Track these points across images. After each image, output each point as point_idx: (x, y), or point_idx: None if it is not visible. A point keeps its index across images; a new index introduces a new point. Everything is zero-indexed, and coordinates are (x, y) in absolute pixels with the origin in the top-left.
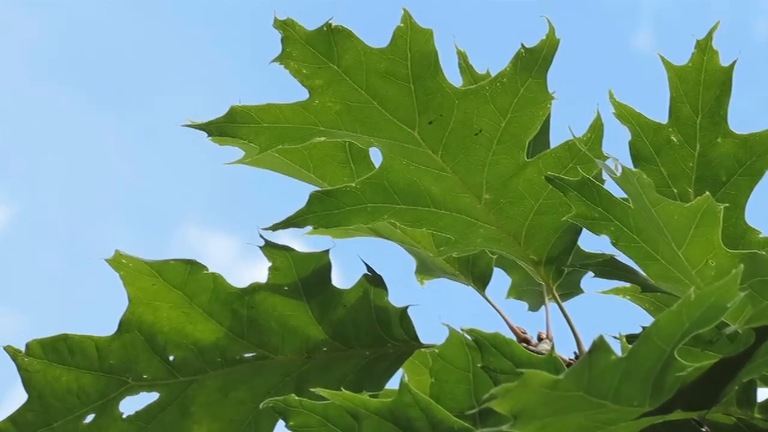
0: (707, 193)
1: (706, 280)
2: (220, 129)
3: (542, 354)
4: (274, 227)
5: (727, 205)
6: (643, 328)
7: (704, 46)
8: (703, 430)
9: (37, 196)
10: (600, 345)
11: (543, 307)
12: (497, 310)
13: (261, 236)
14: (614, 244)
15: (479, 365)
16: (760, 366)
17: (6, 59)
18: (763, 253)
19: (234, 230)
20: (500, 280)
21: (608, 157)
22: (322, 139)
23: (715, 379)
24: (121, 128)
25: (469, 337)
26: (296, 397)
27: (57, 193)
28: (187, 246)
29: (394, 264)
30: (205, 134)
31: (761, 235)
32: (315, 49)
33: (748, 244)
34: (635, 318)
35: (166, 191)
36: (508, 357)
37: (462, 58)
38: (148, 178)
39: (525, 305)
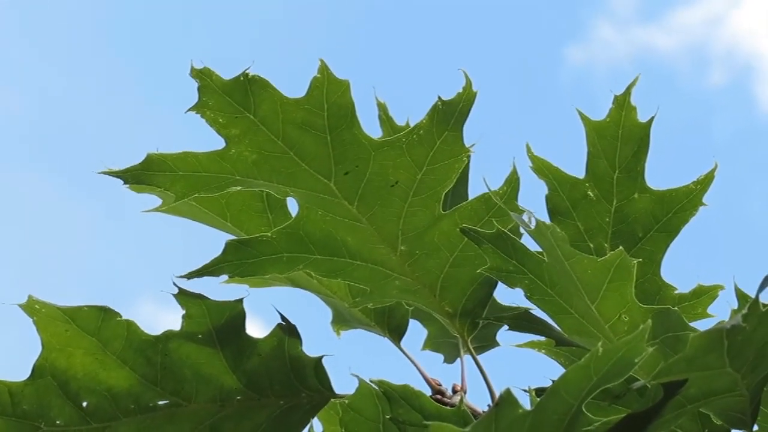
0: (621, 248)
1: (619, 334)
2: (136, 177)
3: (453, 406)
4: (189, 275)
5: (641, 260)
6: (552, 381)
7: (622, 102)
8: None
9: None
10: (507, 398)
11: (458, 359)
12: (412, 362)
13: (175, 284)
14: (528, 298)
15: (388, 417)
16: (669, 421)
17: None
18: (676, 309)
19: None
20: (416, 332)
21: (524, 211)
22: (239, 188)
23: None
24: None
25: (379, 389)
26: None
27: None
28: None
29: (310, 314)
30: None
31: (676, 291)
32: (231, 99)
33: (663, 300)
34: (551, 372)
35: (123, 267)
36: (417, 409)
37: (381, 109)
38: (105, 254)
39: (440, 357)
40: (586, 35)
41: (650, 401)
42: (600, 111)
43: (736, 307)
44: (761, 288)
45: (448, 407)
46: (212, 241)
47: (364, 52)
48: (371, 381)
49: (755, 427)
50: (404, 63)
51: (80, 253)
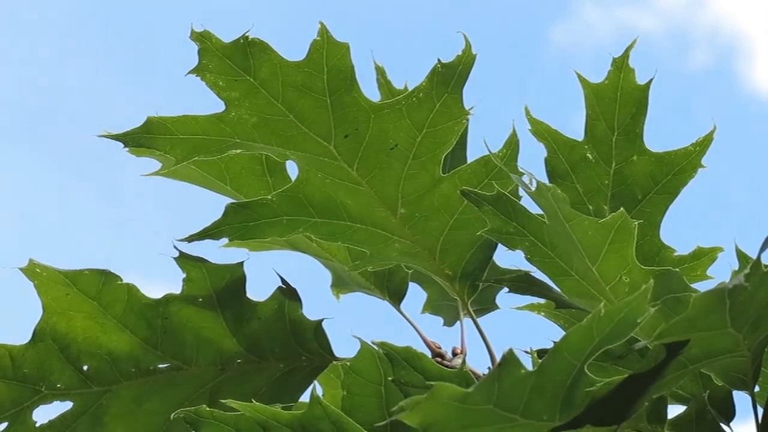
0: (622, 209)
1: (619, 296)
2: (137, 140)
3: (454, 369)
4: (190, 239)
5: (642, 222)
6: (555, 342)
7: (621, 64)
8: None
9: None
10: (510, 359)
11: (458, 322)
12: (412, 325)
13: (175, 248)
14: (529, 260)
15: (390, 379)
16: (670, 382)
17: None
18: (677, 270)
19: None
20: (416, 295)
21: (524, 173)
22: (238, 151)
23: (625, 394)
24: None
25: (380, 351)
26: (208, 408)
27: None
28: None
29: (310, 277)
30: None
31: (676, 253)
32: (231, 62)
33: (662, 262)
34: (550, 334)
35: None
36: (419, 371)
37: (380, 73)
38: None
39: (440, 320)
40: (571, 16)
41: (652, 362)
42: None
43: (736, 268)
44: (763, 248)
45: (449, 369)
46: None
47: (358, 20)
48: (373, 343)
49: (756, 388)
50: (396, 34)
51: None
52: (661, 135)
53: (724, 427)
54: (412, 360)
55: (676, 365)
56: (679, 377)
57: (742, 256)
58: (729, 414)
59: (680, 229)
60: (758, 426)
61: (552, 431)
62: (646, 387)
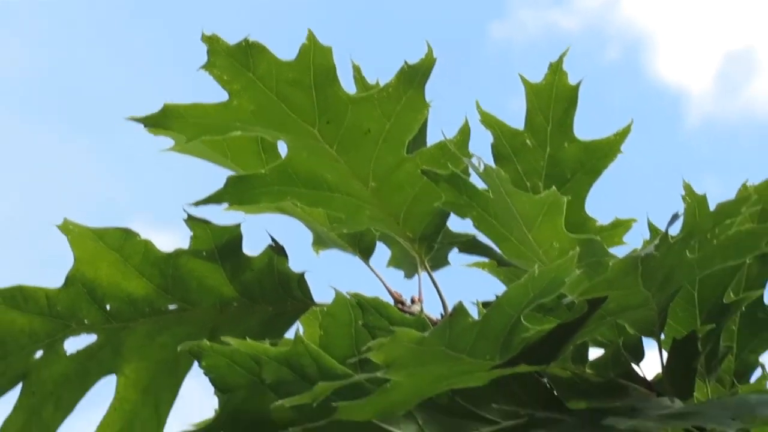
0: (554, 187)
1: (551, 259)
2: (155, 122)
3: (413, 315)
4: (197, 203)
5: (570, 197)
6: (497, 296)
7: (556, 68)
8: (544, 380)
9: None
10: (459, 310)
11: (416, 275)
12: (378, 277)
13: (185, 211)
14: (476, 227)
15: (360, 322)
16: (591, 330)
17: None
18: (598, 238)
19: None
20: (382, 253)
21: (473, 156)
22: (239, 133)
23: (554, 340)
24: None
25: (352, 299)
26: (208, 343)
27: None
28: None
29: (295, 237)
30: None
31: (597, 223)
32: (234, 60)
33: (586, 230)
34: (493, 288)
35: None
36: (384, 317)
37: (356, 71)
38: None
39: (402, 273)
40: (508, 14)
41: (576, 314)
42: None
43: (648, 239)
44: (670, 223)
45: (409, 315)
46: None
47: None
48: (347, 293)
49: (662, 336)
50: (356, 36)
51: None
52: (581, 118)
53: (635, 367)
54: (378, 308)
55: (596, 317)
56: (599, 326)
57: (652, 228)
58: (639, 356)
59: (601, 203)
60: (663, 366)
61: (493, 368)
62: (571, 334)
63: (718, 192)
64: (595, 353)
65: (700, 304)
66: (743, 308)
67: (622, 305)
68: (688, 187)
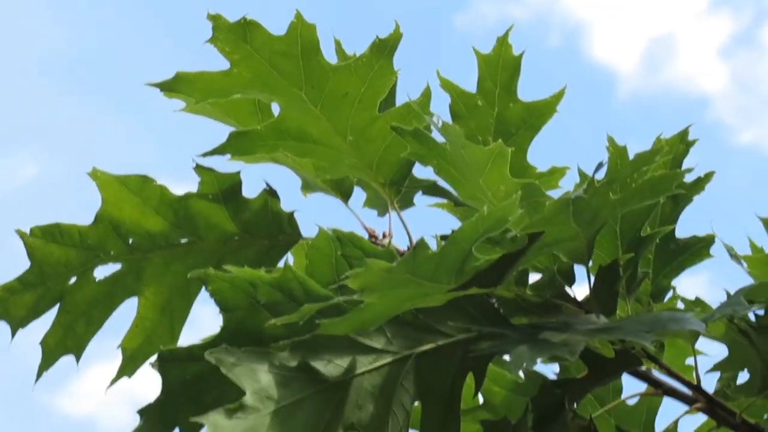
0: (500, 140)
1: (498, 199)
2: (170, 87)
3: (384, 247)
4: (204, 154)
5: (514, 149)
6: (453, 231)
7: (502, 41)
8: (492, 301)
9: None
10: (421, 244)
11: (387, 214)
12: (356, 216)
13: (194, 160)
14: (436, 173)
15: (339, 253)
16: (530, 259)
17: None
18: (537, 182)
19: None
20: (359, 195)
21: (433, 115)
22: (239, 96)
23: (499, 267)
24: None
25: (333, 234)
26: (213, 270)
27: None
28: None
29: (287, 182)
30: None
31: (537, 171)
32: (234, 34)
33: (528, 176)
34: (450, 224)
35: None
36: (359, 248)
37: (337, 44)
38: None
39: (375, 213)
40: (470, 7)
41: (519, 245)
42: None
43: (578, 183)
44: (596, 170)
45: (380, 247)
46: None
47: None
48: (329, 229)
49: (590, 263)
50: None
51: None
52: (529, 95)
53: (567, 289)
54: (354, 241)
55: (534, 248)
56: (537, 255)
57: (582, 174)
58: (571, 280)
59: (545, 160)
60: (590, 288)
61: (449, 291)
62: (514, 262)
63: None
64: (534, 278)
65: (621, 237)
66: (658, 240)
67: (556, 238)
68: (611, 140)
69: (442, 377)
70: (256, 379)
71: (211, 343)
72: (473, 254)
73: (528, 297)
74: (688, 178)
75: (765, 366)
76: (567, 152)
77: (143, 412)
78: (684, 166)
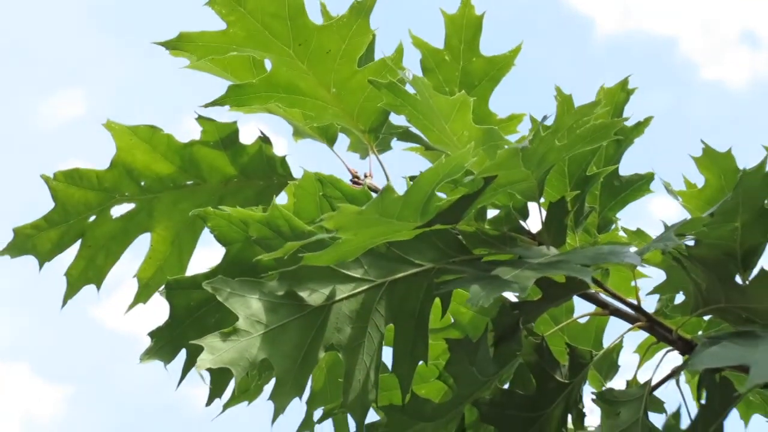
0: (463, 91)
1: (462, 143)
2: (174, 45)
3: (362, 185)
4: (206, 105)
5: (477, 98)
6: (420, 173)
7: (466, 2)
8: (457, 234)
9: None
10: (387, 188)
11: (368, 157)
12: (341, 159)
13: (196, 111)
14: (408, 121)
15: (321, 194)
16: (487, 198)
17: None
18: (496, 128)
19: None
20: (343, 141)
21: (405, 69)
22: (235, 53)
23: (459, 206)
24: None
25: (316, 176)
26: (212, 209)
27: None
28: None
29: (279, 129)
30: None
31: (498, 117)
32: None
33: (489, 122)
34: (423, 165)
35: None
36: (338, 189)
37: (322, 6)
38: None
39: (357, 156)
40: None
41: (476, 187)
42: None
43: (530, 129)
44: (542, 120)
45: (359, 187)
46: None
47: None
48: (314, 172)
49: (541, 200)
50: None
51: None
52: (516, 41)
53: (522, 223)
54: (333, 182)
55: (490, 189)
56: (493, 195)
57: (533, 121)
58: (525, 215)
59: (502, 102)
60: (542, 222)
61: (416, 228)
62: (471, 201)
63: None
64: (492, 213)
65: (569, 176)
66: (603, 178)
67: (509, 180)
68: (558, 90)
69: (412, 302)
70: (248, 306)
71: (212, 273)
72: (435, 195)
73: (487, 231)
74: (631, 122)
75: (697, 289)
76: (523, 99)
77: (153, 334)
78: (625, 112)
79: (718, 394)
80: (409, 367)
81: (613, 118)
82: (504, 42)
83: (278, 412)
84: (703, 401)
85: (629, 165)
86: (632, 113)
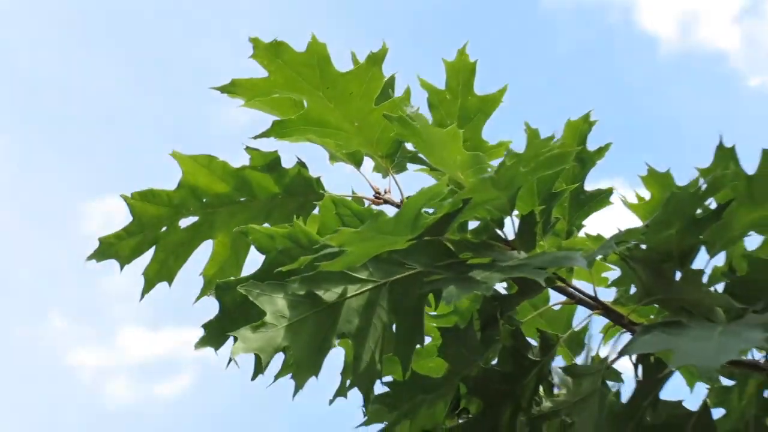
0: (454, 125)
1: (456, 166)
2: (228, 90)
3: (387, 201)
4: (256, 137)
5: (471, 129)
6: (408, 197)
7: (462, 52)
8: (445, 242)
9: None
10: (378, 213)
11: (388, 177)
12: (366, 178)
13: (245, 143)
14: (415, 148)
15: (335, 212)
16: (466, 214)
17: None
18: (481, 154)
19: None
20: (369, 163)
21: (413, 106)
22: (277, 95)
23: (443, 222)
24: None
25: (334, 196)
26: (252, 225)
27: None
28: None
29: (316, 156)
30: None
31: (489, 144)
32: (269, 52)
33: (482, 149)
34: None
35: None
36: (348, 208)
37: (352, 54)
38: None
39: (380, 176)
40: None
41: (455, 207)
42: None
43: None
44: (507, 154)
45: (366, 207)
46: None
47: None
48: (328, 195)
49: (514, 213)
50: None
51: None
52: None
53: (498, 231)
54: (344, 203)
55: (469, 207)
56: (473, 212)
57: (509, 151)
58: (501, 225)
59: (496, 130)
60: (515, 232)
61: (408, 240)
62: (452, 219)
63: None
64: (473, 224)
65: (538, 193)
66: (571, 193)
67: (483, 200)
68: (526, 124)
69: (409, 298)
70: (274, 304)
71: (253, 277)
72: (422, 214)
73: (470, 239)
74: (593, 147)
75: (641, 283)
76: (509, 129)
77: (206, 326)
78: (589, 140)
79: (653, 372)
80: (407, 350)
81: (575, 147)
82: (585, 62)
83: (298, 388)
84: (639, 378)
85: (698, 160)
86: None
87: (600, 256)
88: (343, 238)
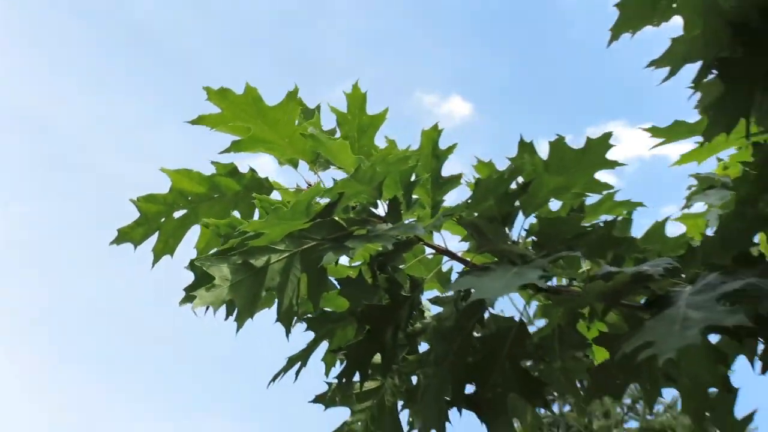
0: (347, 139)
1: (349, 166)
2: (196, 122)
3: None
4: (220, 153)
5: (366, 138)
6: (300, 193)
7: (356, 86)
8: (338, 220)
9: None
10: (276, 208)
11: (316, 174)
12: (301, 175)
13: (209, 160)
14: (324, 154)
15: (260, 205)
16: (344, 202)
17: None
18: (362, 157)
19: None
20: (303, 165)
21: (320, 126)
22: (231, 124)
23: (328, 209)
24: None
25: (259, 195)
26: (206, 219)
27: None
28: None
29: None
30: None
31: (379, 147)
32: (219, 96)
33: (373, 152)
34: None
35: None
36: (267, 202)
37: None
38: None
39: (313, 173)
40: None
41: (335, 198)
42: None
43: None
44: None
45: (276, 200)
46: None
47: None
48: (257, 195)
49: (382, 197)
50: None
51: None
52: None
53: (374, 210)
54: (265, 200)
55: (344, 198)
56: (349, 199)
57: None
58: (375, 206)
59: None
60: (385, 212)
61: (305, 222)
62: (334, 207)
63: None
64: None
65: (401, 182)
66: (431, 179)
67: (355, 192)
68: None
69: (313, 260)
70: (221, 270)
71: (215, 254)
72: (313, 204)
73: (354, 218)
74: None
75: (475, 240)
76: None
77: (186, 289)
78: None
79: (475, 302)
80: (316, 295)
81: (429, 150)
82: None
83: (239, 328)
84: (462, 305)
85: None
86: None
87: (434, 227)
88: (254, 225)
